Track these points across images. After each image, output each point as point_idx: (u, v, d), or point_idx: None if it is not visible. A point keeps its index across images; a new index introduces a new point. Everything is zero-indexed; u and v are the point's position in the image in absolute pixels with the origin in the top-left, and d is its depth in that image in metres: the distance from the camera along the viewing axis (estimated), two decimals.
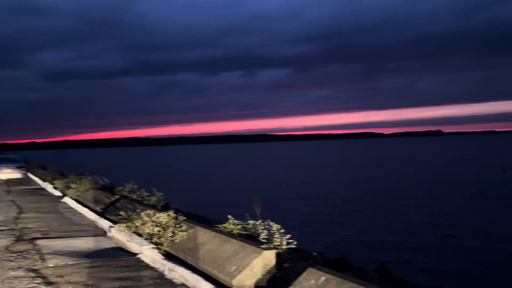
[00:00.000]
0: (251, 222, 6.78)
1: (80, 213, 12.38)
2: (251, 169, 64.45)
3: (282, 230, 6.13)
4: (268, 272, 5.74)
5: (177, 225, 7.52)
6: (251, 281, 5.59)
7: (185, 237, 7.36)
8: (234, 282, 5.54)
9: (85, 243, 8.53)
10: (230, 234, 6.72)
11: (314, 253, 7.20)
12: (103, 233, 9.53)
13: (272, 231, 6.15)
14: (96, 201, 13.14)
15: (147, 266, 6.78)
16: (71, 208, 13.52)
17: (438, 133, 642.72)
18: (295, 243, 6.11)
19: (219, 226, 7.31)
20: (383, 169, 54.19)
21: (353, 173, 49.57)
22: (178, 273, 6.08)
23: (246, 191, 31.66)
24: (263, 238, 6.19)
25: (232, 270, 5.74)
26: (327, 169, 58.15)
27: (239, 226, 6.93)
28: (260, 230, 6.37)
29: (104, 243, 8.54)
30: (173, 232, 7.40)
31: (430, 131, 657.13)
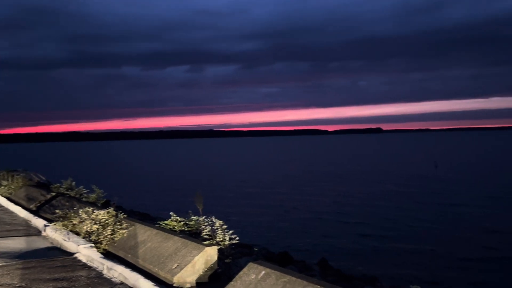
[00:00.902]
0: (193, 218, 6.75)
1: (11, 212, 11.67)
2: (196, 165, 63.92)
3: (225, 226, 6.16)
4: (210, 268, 5.76)
5: (118, 223, 7.33)
6: (193, 278, 5.58)
7: (125, 235, 7.19)
8: (175, 279, 5.50)
9: (17, 244, 8.07)
10: (172, 231, 6.65)
11: (255, 248, 7.30)
12: (37, 232, 9.05)
13: (215, 227, 6.16)
14: (30, 199, 12.44)
15: (84, 266, 6.55)
16: (2, 206, 12.70)
17: (378, 130, 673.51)
18: (238, 238, 6.16)
19: (161, 223, 7.21)
20: (324, 165, 55.85)
21: (296, 168, 50.65)
22: (117, 272, 5.93)
23: (190, 187, 31.39)
24: (205, 235, 6.19)
25: (173, 267, 5.69)
26: (271, 165, 58.98)
27: (182, 223, 6.87)
28: (203, 227, 6.36)
29: (38, 243, 8.12)
30: (113, 230, 7.20)
31: (371, 128, 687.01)
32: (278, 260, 12.00)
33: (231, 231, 6.12)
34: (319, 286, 4.32)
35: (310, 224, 19.34)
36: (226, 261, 6.05)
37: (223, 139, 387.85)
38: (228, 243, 5.97)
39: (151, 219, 15.62)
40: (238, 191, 31.52)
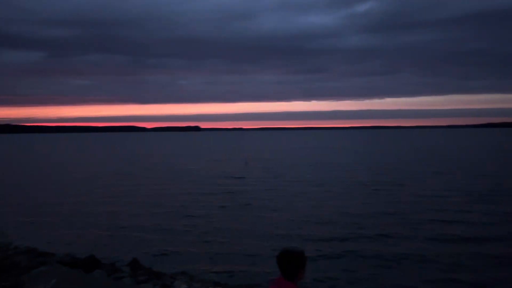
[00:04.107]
0: None
1: None
2: None
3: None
4: None
5: None
6: None
7: None
8: None
9: None
10: None
11: (53, 255, 6.67)
12: None
13: None
14: None
15: None
16: None
17: (197, 128, 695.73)
18: (26, 245, 5.49)
19: None
20: (134, 163, 54.76)
21: (104, 167, 48.21)
22: None
23: None
24: None
25: None
26: (77, 163, 54.81)
27: None
28: None
29: None
30: None
31: (189, 126, 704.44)
32: (84, 265, 11.23)
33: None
34: None
35: (120, 224, 18.67)
36: (13, 272, 5.35)
37: (25, 135, 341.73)
38: (13, 252, 5.28)
39: None
40: (34, 194, 28.26)
